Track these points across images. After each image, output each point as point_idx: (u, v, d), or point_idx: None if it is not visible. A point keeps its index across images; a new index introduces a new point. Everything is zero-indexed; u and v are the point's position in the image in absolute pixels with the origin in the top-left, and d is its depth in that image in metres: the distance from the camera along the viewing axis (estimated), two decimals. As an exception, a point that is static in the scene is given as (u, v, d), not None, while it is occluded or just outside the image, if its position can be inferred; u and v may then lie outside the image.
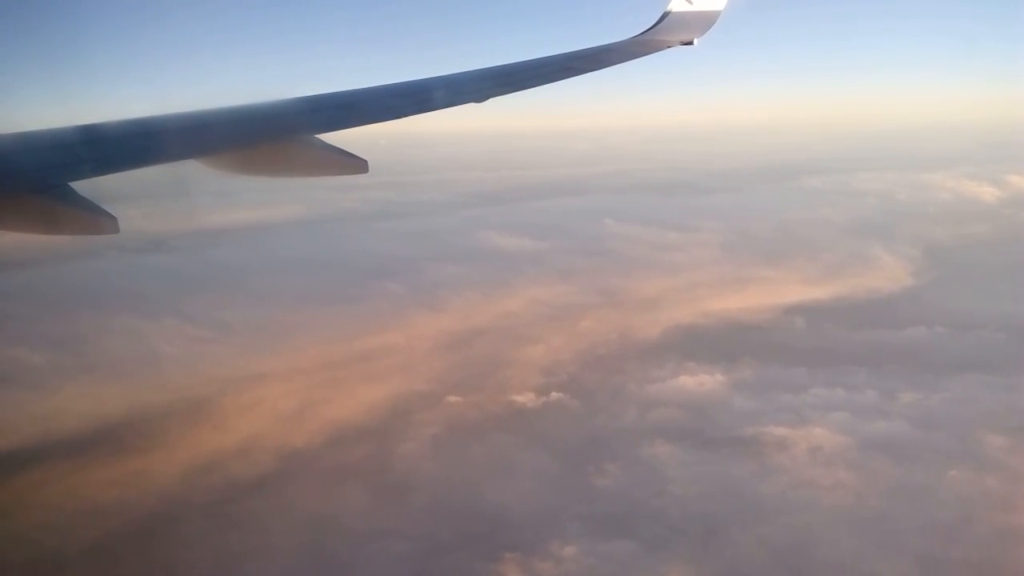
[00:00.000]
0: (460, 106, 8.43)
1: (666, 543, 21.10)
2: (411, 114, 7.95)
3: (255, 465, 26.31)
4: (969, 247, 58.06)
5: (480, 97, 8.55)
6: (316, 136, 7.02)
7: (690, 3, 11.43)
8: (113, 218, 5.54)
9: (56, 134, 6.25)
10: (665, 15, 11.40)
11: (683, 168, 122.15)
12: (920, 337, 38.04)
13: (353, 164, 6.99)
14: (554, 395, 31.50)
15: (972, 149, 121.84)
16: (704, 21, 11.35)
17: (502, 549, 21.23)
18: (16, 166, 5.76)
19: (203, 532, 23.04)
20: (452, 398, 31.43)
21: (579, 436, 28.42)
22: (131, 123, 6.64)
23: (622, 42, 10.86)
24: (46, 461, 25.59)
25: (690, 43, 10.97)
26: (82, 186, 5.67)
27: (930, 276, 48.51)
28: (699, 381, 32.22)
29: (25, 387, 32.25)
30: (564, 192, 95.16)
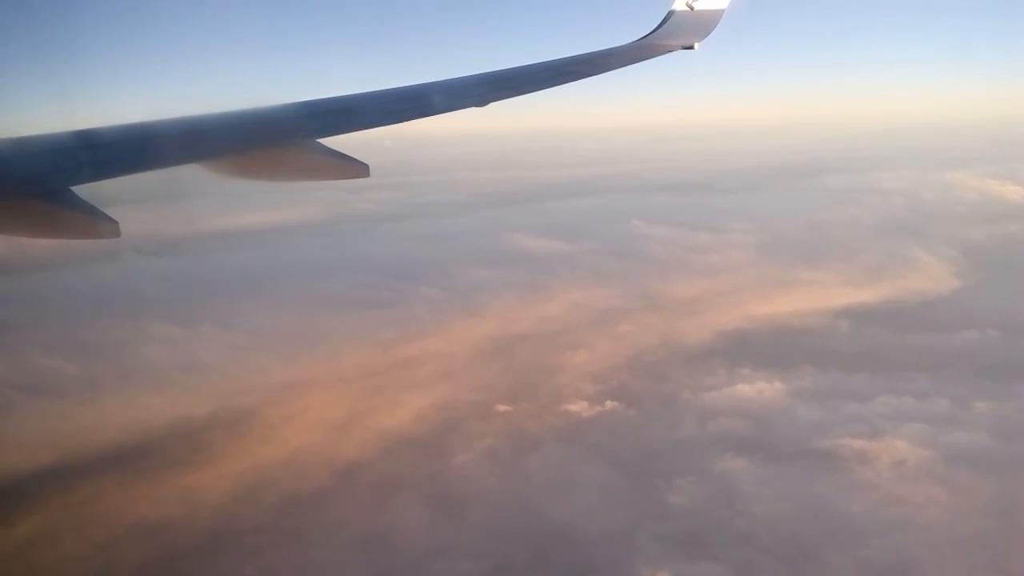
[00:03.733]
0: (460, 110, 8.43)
1: (758, 567, 19.96)
2: (411, 118, 7.89)
3: (307, 479, 25.19)
4: (1006, 247, 56.97)
5: (481, 101, 8.48)
6: (317, 140, 6.96)
7: (691, 8, 11.28)
8: (114, 222, 5.52)
9: (56, 138, 6.17)
10: (667, 18, 11.23)
11: (693, 168, 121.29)
12: (974, 341, 36.90)
13: (354, 168, 6.90)
14: (608, 404, 30.35)
15: (983, 148, 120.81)
16: (706, 23, 11.20)
17: (587, 572, 20.07)
18: (16, 170, 5.73)
19: (260, 551, 21.94)
20: (502, 407, 30.30)
21: (641, 448, 27.30)
22: (132, 127, 6.55)
23: (623, 46, 10.73)
24: (92, 476, 24.46)
25: (691, 47, 10.84)
26: (83, 190, 5.62)
27: (974, 278, 47.35)
28: (757, 389, 31.07)
29: (58, 397, 31.03)
30: (578, 192, 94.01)
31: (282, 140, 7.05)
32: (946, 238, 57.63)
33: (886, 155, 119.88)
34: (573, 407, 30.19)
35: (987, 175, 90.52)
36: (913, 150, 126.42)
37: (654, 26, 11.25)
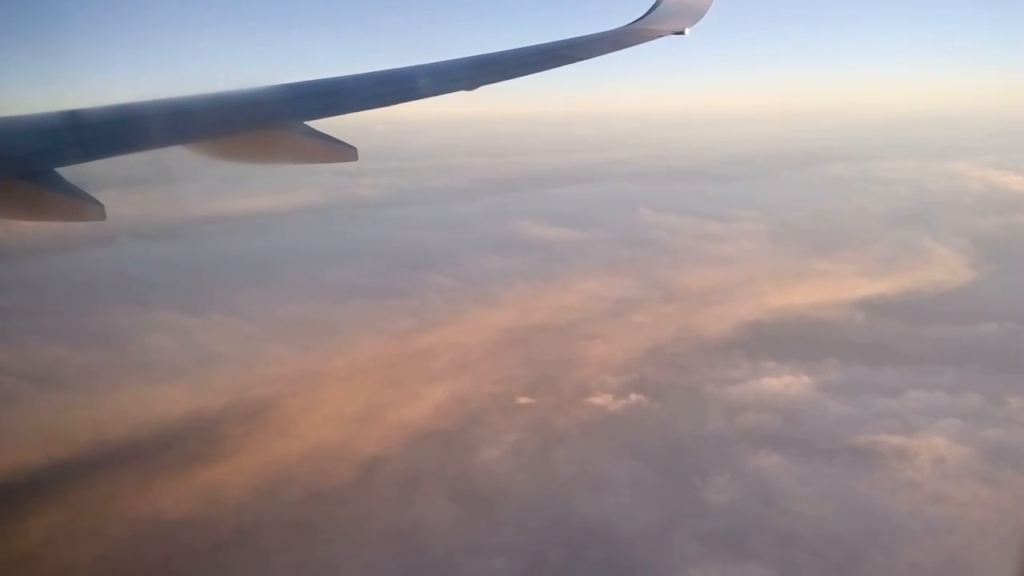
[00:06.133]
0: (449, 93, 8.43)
1: (806, 569, 19.39)
2: (400, 101, 7.87)
3: (331, 475, 24.45)
4: (1018, 238, 56.78)
5: (470, 85, 8.47)
6: (304, 123, 6.93)
7: None
8: (100, 204, 5.47)
9: (41, 119, 6.11)
10: (657, 3, 11.19)
11: (691, 155, 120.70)
12: (994, 333, 36.51)
13: (342, 151, 6.86)
14: (633, 397, 29.75)
15: (981, 138, 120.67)
16: (696, 8, 11.18)
17: (627, 572, 19.52)
18: (0, 151, 5.66)
19: (285, 548, 21.26)
20: (524, 399, 29.67)
21: (670, 442, 26.69)
22: (117, 108, 6.48)
23: (613, 31, 10.72)
24: (108, 470, 23.63)
25: (681, 33, 10.79)
26: (68, 172, 5.55)
27: (989, 269, 46.92)
28: (784, 383, 30.53)
29: (63, 387, 30.17)
30: (579, 179, 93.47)
31: (269, 122, 6.95)
32: (956, 228, 57.25)
33: (885, 144, 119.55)
34: (597, 400, 29.58)
35: (989, 165, 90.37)
36: (911, 140, 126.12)
37: (644, 11, 11.23)
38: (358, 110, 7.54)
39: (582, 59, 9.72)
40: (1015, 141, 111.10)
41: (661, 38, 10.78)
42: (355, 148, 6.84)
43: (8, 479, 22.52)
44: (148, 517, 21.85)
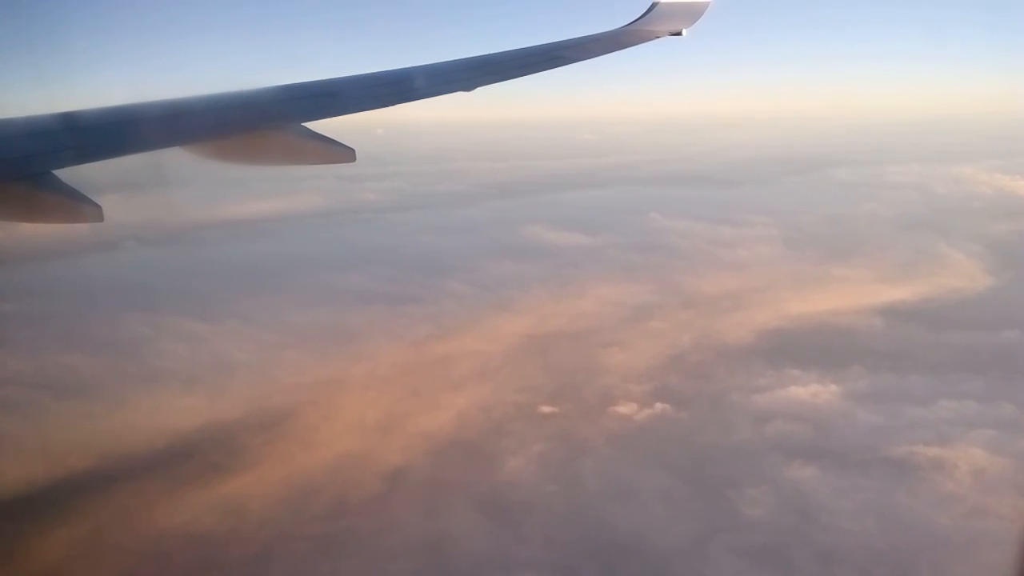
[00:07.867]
0: (447, 95, 8.42)
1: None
2: (398, 102, 7.83)
3: (355, 486, 23.93)
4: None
5: (468, 86, 8.46)
6: (302, 124, 6.91)
7: None
8: (97, 206, 5.43)
9: (38, 121, 6.06)
10: (654, 4, 11.16)
11: (695, 159, 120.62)
12: (1017, 340, 36.08)
13: (339, 152, 6.82)
14: (658, 406, 29.26)
15: (984, 142, 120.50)
16: (693, 11, 11.15)
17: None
18: None
19: (314, 563, 20.73)
20: (546, 408, 29.17)
21: (698, 453, 26.18)
22: (115, 110, 6.43)
23: (609, 32, 10.76)
24: (126, 482, 23.10)
25: (678, 34, 10.85)
26: (65, 174, 5.51)
27: (1007, 275, 46.48)
28: (811, 392, 30.04)
29: (74, 395, 29.59)
30: (584, 184, 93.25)
31: (267, 124, 6.93)
32: (970, 233, 56.85)
33: (888, 149, 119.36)
34: (622, 409, 29.07)
35: (996, 169, 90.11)
36: (914, 144, 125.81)
37: (641, 12, 11.24)
38: (356, 111, 7.48)
39: (580, 60, 9.72)
40: (1019, 145, 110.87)
41: (658, 39, 10.79)
42: (353, 149, 6.76)
43: (27, 491, 21.97)
44: (170, 531, 21.32)
